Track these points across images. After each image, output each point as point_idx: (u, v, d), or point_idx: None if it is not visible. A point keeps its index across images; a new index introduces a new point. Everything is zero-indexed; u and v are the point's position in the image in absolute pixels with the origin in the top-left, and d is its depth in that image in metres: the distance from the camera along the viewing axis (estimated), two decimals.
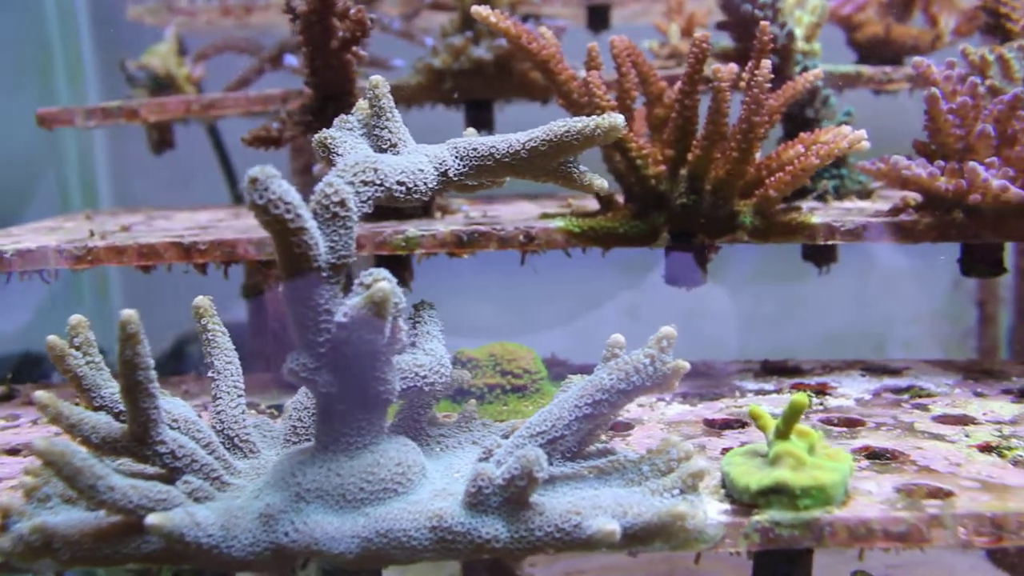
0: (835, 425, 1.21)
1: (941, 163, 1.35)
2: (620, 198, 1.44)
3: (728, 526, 0.92)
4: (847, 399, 1.32)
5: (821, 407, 1.29)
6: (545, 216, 1.43)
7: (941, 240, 1.37)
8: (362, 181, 0.98)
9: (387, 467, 0.94)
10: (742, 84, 1.34)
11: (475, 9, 1.39)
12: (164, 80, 2.08)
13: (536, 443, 0.95)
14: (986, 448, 1.11)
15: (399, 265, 1.58)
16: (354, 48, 1.37)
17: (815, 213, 1.41)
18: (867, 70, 1.85)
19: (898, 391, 1.36)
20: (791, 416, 0.95)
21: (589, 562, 1.67)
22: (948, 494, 0.98)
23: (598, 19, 2.36)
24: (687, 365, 0.98)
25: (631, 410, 1.29)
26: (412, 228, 1.37)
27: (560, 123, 1.08)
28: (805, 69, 1.63)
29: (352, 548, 0.90)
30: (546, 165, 1.11)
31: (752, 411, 0.99)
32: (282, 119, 1.47)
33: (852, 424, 1.21)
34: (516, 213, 1.57)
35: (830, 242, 1.36)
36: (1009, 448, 1.11)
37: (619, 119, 1.07)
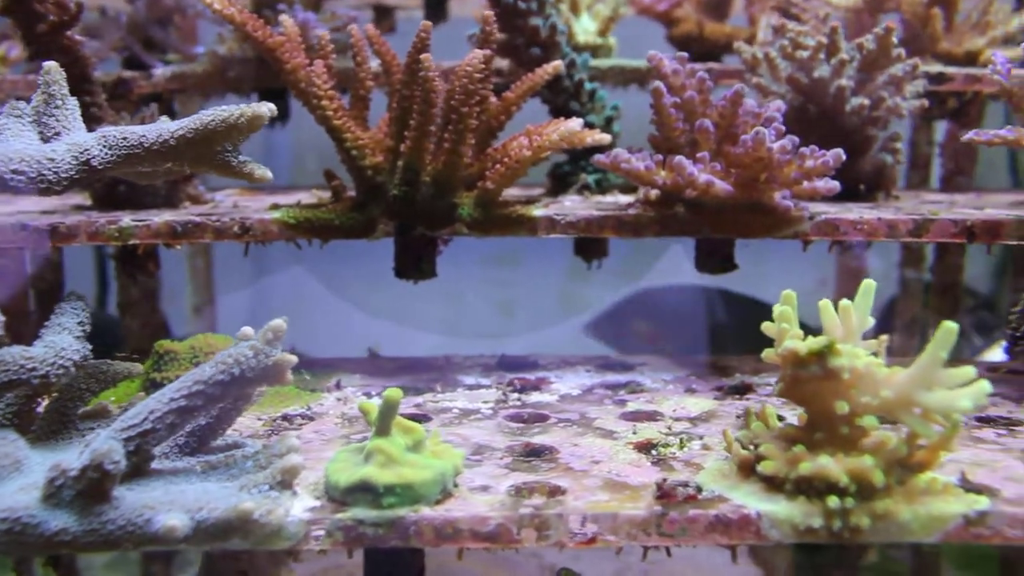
0: (523, 421, 1.20)
1: (659, 157, 1.34)
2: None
3: (311, 523, 0.90)
4: (553, 395, 1.31)
5: (519, 402, 1.27)
6: (274, 207, 1.41)
7: (664, 235, 1.35)
8: None
9: None
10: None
11: None
12: None
13: (126, 435, 0.93)
14: (644, 445, 1.10)
15: (143, 256, 1.56)
16: (67, 33, 1.35)
17: (543, 206, 1.40)
18: None
19: (615, 387, 1.35)
20: (386, 412, 0.93)
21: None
22: (562, 492, 0.96)
23: (436, 10, 2.34)
24: (293, 359, 0.97)
25: (324, 403, 1.27)
26: (127, 218, 1.34)
27: (208, 112, 1.06)
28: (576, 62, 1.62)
29: None
30: (202, 153, 1.08)
31: (360, 407, 0.98)
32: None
33: (536, 420, 1.20)
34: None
35: (552, 235, 1.34)
36: (666, 445, 1.09)
37: (264, 108, 1.05)
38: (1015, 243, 1.35)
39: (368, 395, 1.31)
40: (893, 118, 1.60)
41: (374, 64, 1.49)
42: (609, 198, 1.57)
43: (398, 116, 1.34)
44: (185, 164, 1.10)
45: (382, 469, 0.91)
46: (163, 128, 1.07)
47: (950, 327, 0.89)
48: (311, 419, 1.21)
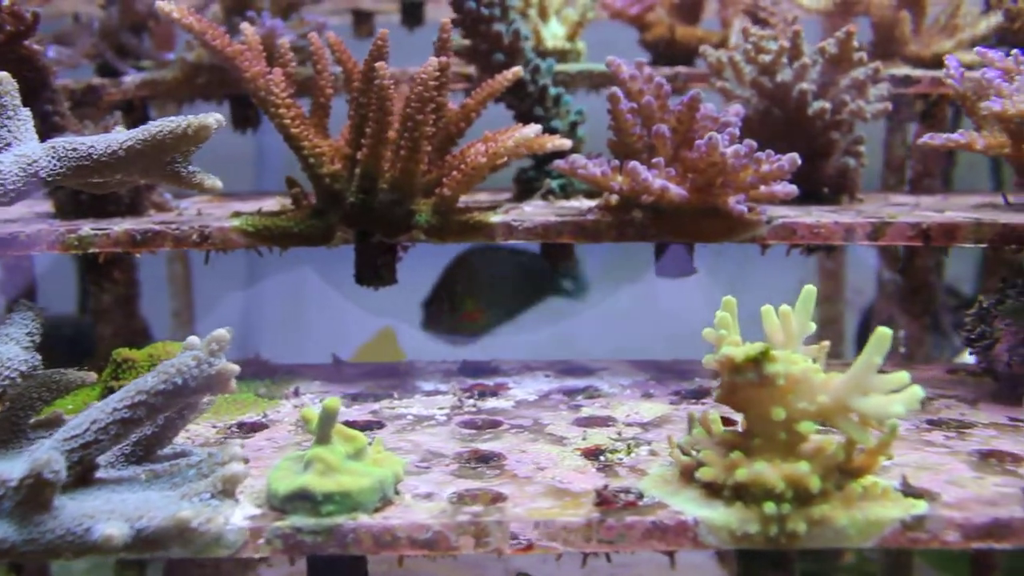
0: (476, 428, 1.20)
1: (616, 162, 1.34)
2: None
3: (251, 531, 0.91)
4: (510, 401, 1.31)
5: (474, 408, 1.28)
6: (235, 215, 1.42)
7: (622, 240, 1.36)
8: None
9: None
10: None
11: (159, 5, 1.37)
12: None
13: (68, 446, 0.94)
14: (592, 451, 1.10)
15: (106, 264, 1.57)
16: (25, 43, 1.36)
17: (503, 212, 1.40)
18: None
19: (572, 392, 1.35)
20: (325, 420, 0.94)
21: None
22: (504, 499, 0.97)
23: (412, 15, 2.35)
24: (236, 368, 0.97)
25: (281, 411, 1.28)
26: (87, 227, 1.35)
27: (157, 123, 1.07)
28: (538, 69, 1.62)
29: None
30: (151, 164, 1.09)
31: (302, 415, 0.98)
32: None
33: (490, 426, 1.20)
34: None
35: (510, 240, 1.35)
36: (614, 451, 1.10)
37: (211, 119, 1.06)
38: (972, 245, 1.35)
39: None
40: (858, 121, 1.60)
41: (338, 71, 1.50)
42: (573, 203, 1.57)
43: (356, 124, 1.35)
44: (135, 175, 1.11)
45: (321, 477, 0.92)
46: (112, 139, 1.08)
47: (884, 333, 0.89)
48: (266, 427, 1.22)
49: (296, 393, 1.35)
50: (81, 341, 2.43)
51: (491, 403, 1.30)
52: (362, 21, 2.49)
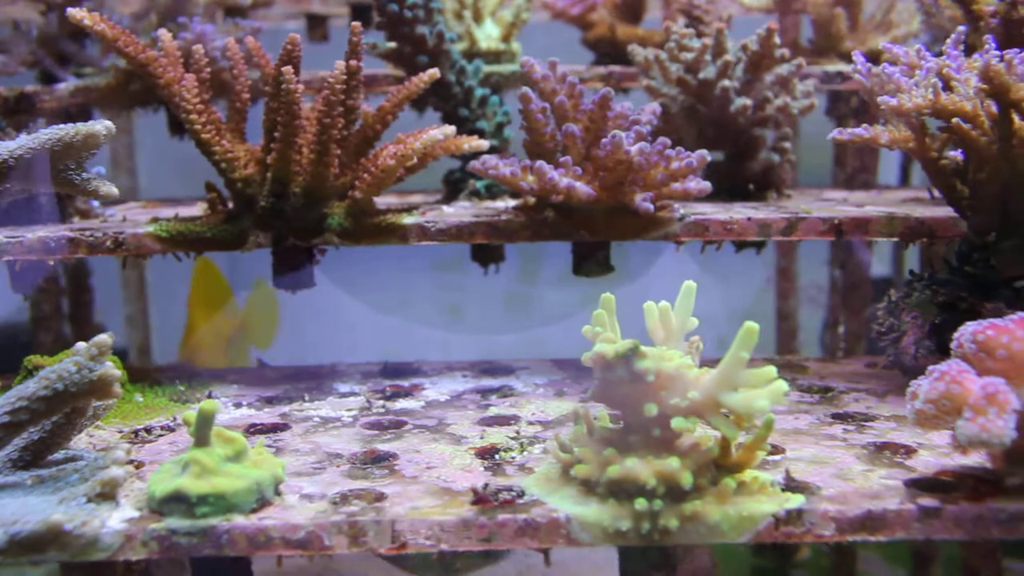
0: (381, 429, 1.21)
1: (526, 163, 1.35)
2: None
3: (128, 534, 0.91)
4: (420, 401, 1.32)
5: (383, 409, 1.28)
6: (152, 220, 1.42)
7: (536, 239, 1.36)
8: None
9: None
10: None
11: (70, 12, 1.37)
12: None
13: None
14: (487, 450, 1.11)
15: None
16: None
17: (419, 213, 1.41)
18: None
19: (487, 392, 1.35)
20: (202, 423, 0.94)
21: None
22: (384, 499, 0.97)
23: (362, 18, 2.34)
24: (117, 373, 0.98)
25: None
26: (1, 235, 1.36)
27: (46, 131, 1.08)
28: (465, 71, 1.63)
29: None
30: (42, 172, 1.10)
31: (184, 418, 0.99)
32: None
33: (394, 427, 1.21)
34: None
35: (423, 242, 1.35)
36: (508, 450, 1.10)
37: (99, 127, 1.07)
38: (884, 239, 1.36)
39: (239, 405, 1.32)
40: (785, 116, 1.61)
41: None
42: (499, 203, 1.58)
43: (269, 128, 1.35)
44: (27, 183, 1.11)
45: (196, 479, 0.92)
46: (1, 147, 1.09)
47: (751, 327, 0.90)
48: (172, 430, 1.22)
49: (210, 397, 1.36)
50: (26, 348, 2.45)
51: (401, 404, 1.30)
52: (315, 25, 2.50)
